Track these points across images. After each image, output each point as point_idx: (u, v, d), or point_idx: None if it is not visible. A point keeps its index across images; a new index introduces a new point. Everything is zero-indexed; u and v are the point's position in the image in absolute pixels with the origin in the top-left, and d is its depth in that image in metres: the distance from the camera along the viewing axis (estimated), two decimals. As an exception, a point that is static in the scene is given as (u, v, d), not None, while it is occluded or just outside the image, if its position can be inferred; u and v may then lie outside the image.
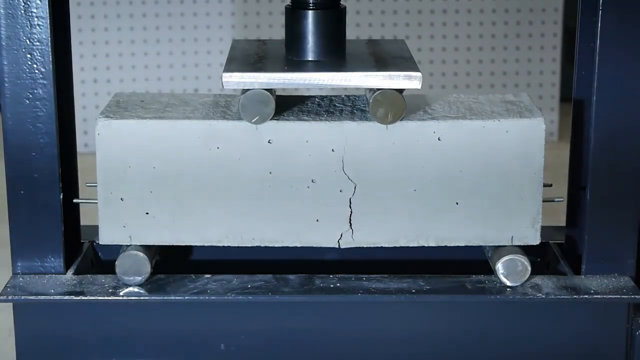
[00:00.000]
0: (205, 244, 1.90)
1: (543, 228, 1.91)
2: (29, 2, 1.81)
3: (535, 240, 1.90)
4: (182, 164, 1.86)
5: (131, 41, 4.20)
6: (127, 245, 1.89)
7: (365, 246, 1.90)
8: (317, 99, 1.98)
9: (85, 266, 2.00)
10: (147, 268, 1.87)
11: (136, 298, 1.85)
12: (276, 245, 1.90)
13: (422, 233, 1.89)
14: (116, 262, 1.87)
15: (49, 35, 1.82)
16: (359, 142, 1.86)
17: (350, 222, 1.89)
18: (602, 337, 1.89)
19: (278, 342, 1.88)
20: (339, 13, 1.93)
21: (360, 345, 1.89)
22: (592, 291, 1.87)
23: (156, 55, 4.22)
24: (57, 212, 1.88)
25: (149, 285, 1.88)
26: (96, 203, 1.88)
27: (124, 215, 1.88)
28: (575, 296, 1.86)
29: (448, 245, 1.91)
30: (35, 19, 1.82)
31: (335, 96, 2.00)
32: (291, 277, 1.90)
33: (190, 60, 4.23)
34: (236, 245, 1.89)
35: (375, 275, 1.90)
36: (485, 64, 4.28)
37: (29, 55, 1.83)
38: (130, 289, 1.87)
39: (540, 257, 2.06)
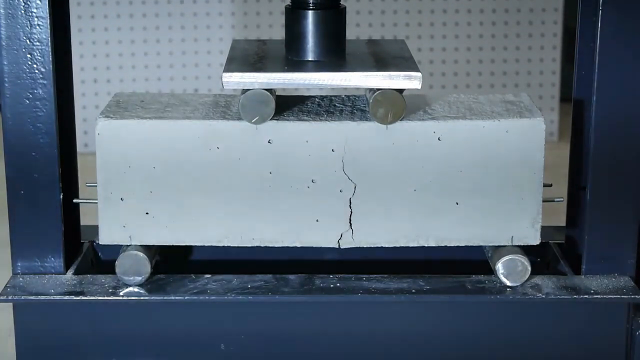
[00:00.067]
0: (205, 244, 1.90)
1: (543, 228, 1.91)
2: (29, 2, 1.81)
3: (535, 240, 1.90)
4: (182, 164, 1.86)
5: (131, 41, 4.20)
6: (127, 245, 1.89)
7: (365, 246, 1.90)
8: (317, 99, 1.98)
9: (85, 266, 2.00)
10: (147, 268, 1.87)
11: (136, 298, 1.85)
12: (276, 245, 1.90)
13: (422, 233, 1.89)
14: (116, 262, 1.87)
15: (49, 35, 1.82)
16: (359, 142, 1.86)
17: (350, 222, 1.89)
18: (602, 337, 1.89)
19: (278, 342, 1.88)
20: (339, 13, 1.93)
21: (360, 345, 1.89)
22: (592, 291, 1.87)
23: (156, 55, 4.22)
24: (57, 212, 1.88)
25: (149, 285, 1.88)
26: (96, 203, 1.88)
27: (123, 215, 1.88)
28: (575, 296, 1.86)
29: (448, 245, 1.91)
30: (35, 19, 1.82)
31: (335, 96, 2.00)
32: (291, 277, 1.90)
33: (190, 60, 4.23)
34: (236, 245, 1.89)
35: (375, 275, 1.90)
36: (485, 64, 4.28)
37: (29, 55, 1.83)
38: (130, 289, 1.87)
39: (540, 257, 2.06)
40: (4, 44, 1.82)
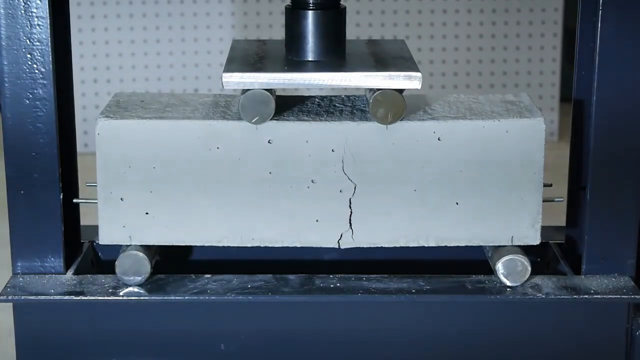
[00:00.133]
0: (205, 244, 1.90)
1: (543, 228, 1.91)
2: (29, 2, 1.81)
3: (535, 240, 1.90)
4: (182, 164, 1.86)
5: (131, 41, 4.20)
6: (127, 245, 1.89)
7: (365, 246, 1.90)
8: (317, 99, 1.98)
9: (85, 266, 2.00)
10: (147, 268, 1.87)
11: (136, 298, 1.85)
12: (276, 245, 1.90)
13: (422, 233, 1.89)
14: (116, 262, 1.87)
15: (49, 35, 1.82)
16: (359, 142, 1.86)
17: (350, 222, 1.89)
18: (602, 337, 1.89)
19: (278, 342, 1.88)
20: (339, 13, 1.93)
21: (360, 345, 1.89)
22: (592, 291, 1.87)
23: (156, 55, 4.22)
24: (57, 212, 1.88)
25: (149, 285, 1.88)
26: (96, 203, 1.88)
27: (123, 215, 1.88)
28: (575, 296, 1.86)
29: (448, 245, 1.91)
30: (35, 19, 1.82)
31: (335, 96, 2.00)
32: (291, 277, 1.90)
33: (190, 60, 4.23)
34: (236, 245, 1.89)
35: (375, 275, 1.90)
36: (485, 64, 4.28)
37: (29, 55, 1.83)
38: (130, 289, 1.87)
39: (540, 257, 2.06)
40: (4, 44, 1.82)
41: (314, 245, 1.90)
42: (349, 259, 2.04)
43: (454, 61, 4.27)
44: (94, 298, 1.85)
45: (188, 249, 2.09)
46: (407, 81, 1.84)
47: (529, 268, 1.87)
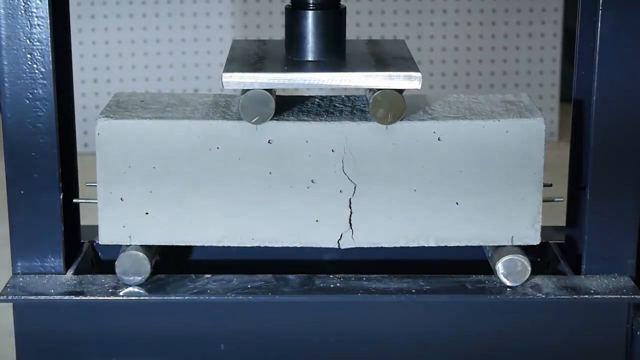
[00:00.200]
0: (205, 244, 1.90)
1: (543, 228, 1.91)
2: (29, 2, 1.81)
3: (535, 240, 1.90)
4: (182, 164, 1.86)
5: (131, 41, 4.20)
6: (127, 245, 1.89)
7: (365, 246, 1.90)
8: (317, 99, 1.98)
9: (85, 266, 2.00)
10: (147, 268, 1.87)
11: (136, 298, 1.85)
12: (276, 245, 1.90)
13: (422, 233, 1.89)
14: (116, 262, 1.87)
15: (49, 35, 1.82)
16: (359, 142, 1.86)
17: (350, 222, 1.89)
18: (602, 337, 1.89)
19: (278, 342, 1.88)
20: (339, 13, 1.93)
21: (361, 345, 1.89)
22: (592, 291, 1.87)
23: (156, 55, 4.22)
24: (57, 212, 1.89)
25: (149, 285, 1.88)
26: (96, 203, 1.88)
27: (123, 215, 1.88)
28: (575, 296, 1.86)
29: (448, 245, 1.91)
30: (35, 19, 1.82)
31: (335, 96, 2.00)
32: (291, 277, 1.90)
33: (190, 60, 4.24)
34: (236, 245, 1.89)
35: (375, 275, 1.90)
36: (485, 64, 4.28)
37: (29, 55, 1.83)
38: (130, 289, 1.87)
39: (540, 257, 2.06)
40: (4, 44, 1.82)
41: (314, 245, 1.90)
42: (349, 259, 2.04)
43: (454, 61, 4.27)
44: (94, 298, 1.85)
45: (188, 249, 2.09)
46: (407, 81, 1.84)
47: (529, 268, 1.87)
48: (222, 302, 1.85)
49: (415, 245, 1.90)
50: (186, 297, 1.85)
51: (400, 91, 1.85)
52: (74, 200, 1.98)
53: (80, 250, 2.03)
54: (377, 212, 1.88)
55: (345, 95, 2.00)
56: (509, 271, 1.87)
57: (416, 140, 1.86)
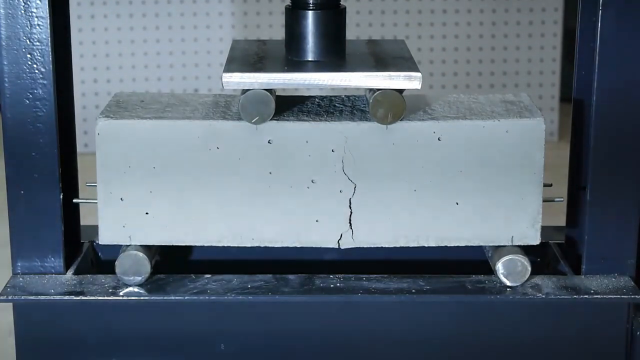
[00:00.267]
0: (205, 244, 1.90)
1: (543, 228, 1.91)
2: (29, 2, 1.81)
3: (535, 240, 1.90)
4: (182, 164, 1.86)
5: (131, 41, 4.20)
6: (127, 245, 1.89)
7: (365, 246, 1.90)
8: (317, 99, 1.98)
9: (85, 266, 2.00)
10: (147, 268, 1.87)
11: (136, 298, 1.85)
12: (276, 245, 1.90)
13: (422, 233, 1.89)
14: (116, 262, 1.87)
15: (49, 35, 1.82)
16: (359, 142, 1.86)
17: (350, 222, 1.89)
18: (602, 337, 1.89)
19: (278, 342, 1.88)
20: (339, 13, 1.93)
21: (360, 345, 1.89)
22: (592, 291, 1.87)
23: (156, 55, 4.22)
24: (57, 212, 1.88)
25: (149, 285, 1.88)
26: (96, 203, 1.88)
27: (123, 215, 1.88)
28: (575, 296, 1.86)
29: (448, 245, 1.91)
30: (35, 19, 1.82)
31: (335, 96, 2.00)
32: (291, 277, 1.90)
33: (190, 60, 4.24)
34: (236, 245, 1.89)
35: (375, 275, 1.90)
36: (485, 64, 4.28)
37: (29, 55, 1.83)
38: (130, 289, 1.87)
39: (540, 257, 2.06)
40: (4, 44, 1.82)
41: (314, 245, 1.90)
42: (349, 259, 2.04)
43: (454, 61, 4.27)
44: (94, 298, 1.85)
45: (188, 249, 2.09)
46: (407, 81, 1.84)
47: (529, 268, 1.87)
48: (222, 302, 1.85)
49: (415, 245, 1.90)
50: (186, 297, 1.85)
51: (400, 91, 1.85)
52: (74, 200, 1.98)
53: (80, 250, 2.03)
54: (377, 212, 1.88)
55: (345, 95, 2.00)
56: (509, 271, 1.87)
57: (416, 140, 1.86)
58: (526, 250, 1.90)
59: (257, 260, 2.03)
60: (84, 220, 2.09)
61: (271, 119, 1.85)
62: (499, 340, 1.89)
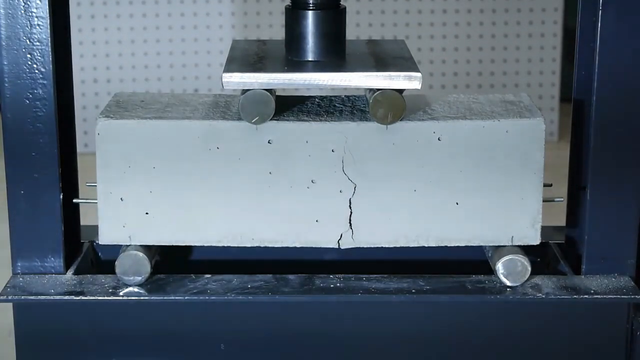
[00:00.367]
0: (205, 244, 1.90)
1: (543, 228, 1.91)
2: (29, 2, 1.81)
3: (535, 240, 1.90)
4: (182, 164, 1.86)
5: (131, 41, 4.20)
6: (127, 245, 1.89)
7: (365, 246, 1.90)
8: (317, 99, 1.98)
9: (85, 266, 2.00)
10: (147, 268, 1.87)
11: (136, 298, 1.85)
12: (276, 245, 1.90)
13: (422, 233, 1.89)
14: (116, 262, 1.87)
15: (49, 35, 1.82)
16: (359, 142, 1.86)
17: (350, 222, 1.89)
18: (602, 337, 1.89)
19: (278, 342, 1.88)
20: (339, 13, 1.93)
21: (361, 345, 1.89)
22: (592, 291, 1.87)
23: (156, 55, 4.22)
24: (57, 212, 1.89)
25: (149, 285, 1.88)
26: (96, 203, 1.88)
27: (123, 215, 1.88)
28: (575, 296, 1.86)
29: (448, 245, 1.91)
30: (35, 19, 1.82)
31: (335, 96, 2.00)
32: (291, 277, 1.90)
33: (190, 60, 4.24)
34: (236, 245, 1.89)
35: (375, 275, 1.90)
36: (485, 64, 4.28)
37: (29, 55, 1.83)
38: (130, 289, 1.87)
39: (540, 257, 2.06)
40: (4, 44, 1.82)
41: (314, 245, 1.90)
42: (349, 259, 2.04)
43: (454, 61, 4.27)
44: (94, 298, 1.85)
45: (188, 249, 2.09)
46: (407, 81, 1.84)
47: (529, 268, 1.87)
48: (222, 302, 1.85)
49: (415, 245, 1.90)
50: (186, 297, 1.85)
51: (400, 91, 1.85)
52: (74, 200, 1.98)
53: (80, 250, 2.03)
54: (377, 212, 1.88)
55: (345, 95, 2.00)
56: (509, 271, 1.87)
57: (416, 140, 1.86)
58: (526, 250, 1.90)
59: (257, 260, 2.03)
60: (84, 220, 2.09)
61: (271, 119, 1.85)
62: (499, 340, 1.89)
